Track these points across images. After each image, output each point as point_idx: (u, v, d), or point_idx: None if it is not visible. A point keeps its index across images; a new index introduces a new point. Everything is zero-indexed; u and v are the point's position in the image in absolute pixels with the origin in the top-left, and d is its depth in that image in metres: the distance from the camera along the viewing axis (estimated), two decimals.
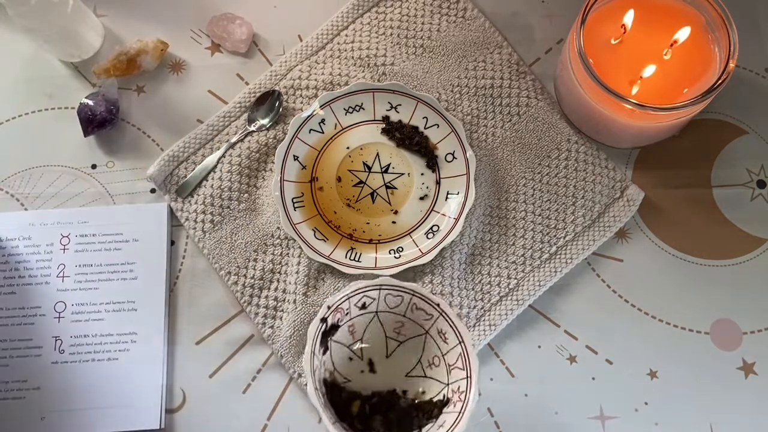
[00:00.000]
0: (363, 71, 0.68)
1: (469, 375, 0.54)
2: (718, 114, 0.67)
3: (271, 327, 0.62)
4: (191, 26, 0.71)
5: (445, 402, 0.56)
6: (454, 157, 0.64)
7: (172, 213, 0.66)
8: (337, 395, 0.58)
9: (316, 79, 0.68)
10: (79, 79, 0.70)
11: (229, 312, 0.63)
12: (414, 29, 0.70)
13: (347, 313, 0.57)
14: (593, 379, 0.61)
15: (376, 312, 0.58)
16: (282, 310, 0.63)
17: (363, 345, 0.59)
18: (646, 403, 0.60)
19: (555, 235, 0.64)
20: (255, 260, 0.64)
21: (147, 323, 0.62)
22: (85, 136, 0.67)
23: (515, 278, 0.63)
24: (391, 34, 0.70)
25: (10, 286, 0.63)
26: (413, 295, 0.56)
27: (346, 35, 0.70)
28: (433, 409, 0.56)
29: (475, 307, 0.63)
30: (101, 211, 0.66)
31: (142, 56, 0.67)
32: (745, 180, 0.66)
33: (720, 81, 0.57)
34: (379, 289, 0.56)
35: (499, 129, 0.67)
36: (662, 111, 0.57)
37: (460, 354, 0.55)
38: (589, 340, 0.62)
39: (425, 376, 0.58)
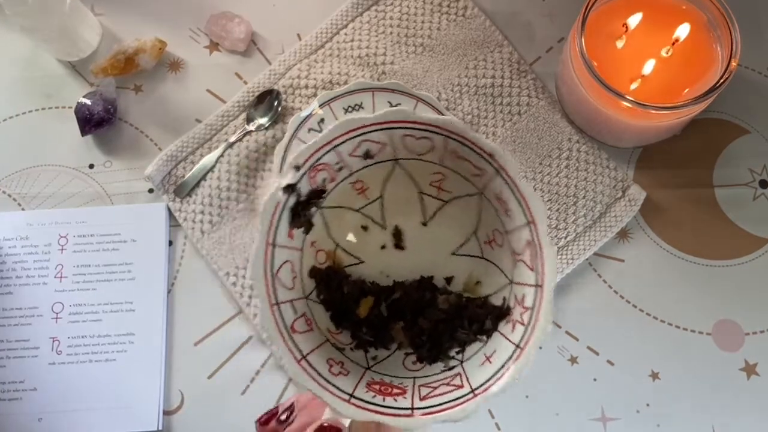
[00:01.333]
0: (362, 70, 0.68)
1: (540, 282, 0.34)
2: (719, 113, 0.67)
3: None
4: (189, 25, 0.71)
5: (504, 311, 0.37)
6: None
7: (170, 213, 0.65)
8: (335, 289, 0.39)
9: (315, 78, 0.68)
10: (77, 79, 0.69)
11: (228, 313, 0.63)
12: (414, 28, 0.69)
13: (340, 168, 0.38)
14: (594, 380, 0.61)
15: (396, 160, 0.39)
16: None
17: (384, 207, 0.40)
18: (647, 405, 0.60)
19: (556, 236, 0.64)
20: None
21: (145, 324, 0.62)
22: (82, 136, 0.66)
23: None
24: (391, 33, 0.69)
25: (7, 287, 0.63)
26: (448, 136, 0.36)
27: (346, 34, 0.69)
28: (486, 317, 0.37)
29: None
30: (99, 211, 0.65)
31: (140, 55, 0.67)
32: (747, 180, 0.65)
33: (722, 80, 0.56)
34: (389, 128, 0.36)
35: (500, 128, 0.66)
36: (663, 110, 0.57)
37: (529, 242, 0.35)
38: (590, 340, 0.62)
39: (482, 257, 0.39)
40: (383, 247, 0.40)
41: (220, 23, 0.69)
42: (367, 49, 0.68)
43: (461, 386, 0.34)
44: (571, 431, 0.60)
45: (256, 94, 0.67)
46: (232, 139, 0.66)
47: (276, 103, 0.67)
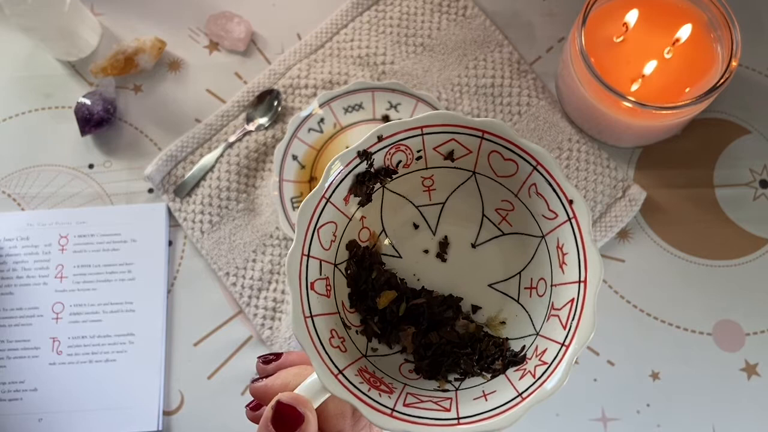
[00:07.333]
0: (362, 70, 0.68)
1: (566, 342, 0.33)
2: (720, 113, 0.67)
3: (270, 328, 0.62)
4: (189, 24, 0.70)
5: (518, 359, 0.35)
6: None
7: (170, 213, 0.65)
8: (365, 269, 0.38)
9: (315, 78, 0.67)
10: (77, 78, 0.69)
11: (228, 313, 0.63)
12: (414, 27, 0.69)
13: (418, 157, 0.37)
14: (595, 380, 0.61)
15: (474, 172, 0.37)
16: (281, 311, 0.62)
17: (442, 213, 0.39)
18: (648, 405, 0.60)
19: None
20: (254, 261, 0.63)
21: (145, 324, 0.62)
22: (82, 136, 0.66)
23: None
24: (391, 33, 0.69)
25: (8, 287, 0.63)
26: (535, 168, 0.34)
27: (346, 33, 0.69)
28: (496, 357, 0.36)
29: None
30: (99, 211, 0.65)
31: (139, 55, 0.67)
32: (747, 180, 0.65)
33: (722, 80, 0.56)
34: (481, 137, 0.35)
35: None
36: (664, 110, 0.57)
37: (572, 302, 0.34)
38: (590, 341, 0.62)
39: (516, 301, 0.38)
40: (426, 251, 0.39)
41: (219, 23, 0.69)
42: (367, 48, 0.68)
43: (448, 410, 0.33)
44: (571, 431, 0.60)
45: (256, 94, 0.67)
46: (232, 139, 0.66)
47: (276, 103, 0.67)
